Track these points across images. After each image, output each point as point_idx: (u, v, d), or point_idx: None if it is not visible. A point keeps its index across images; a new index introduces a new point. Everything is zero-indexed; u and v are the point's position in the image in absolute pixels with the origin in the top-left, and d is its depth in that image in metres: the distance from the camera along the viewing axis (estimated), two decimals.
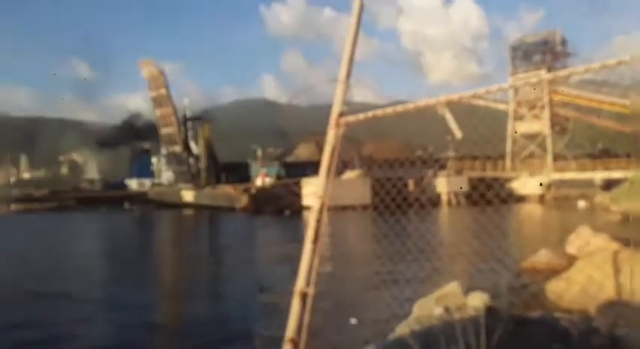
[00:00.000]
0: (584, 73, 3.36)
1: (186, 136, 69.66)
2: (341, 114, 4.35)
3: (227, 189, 55.35)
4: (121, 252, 26.05)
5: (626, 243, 11.18)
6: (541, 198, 48.40)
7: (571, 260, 11.59)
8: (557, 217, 34.67)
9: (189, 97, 76.49)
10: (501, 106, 58.80)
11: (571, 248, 13.34)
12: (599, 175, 46.19)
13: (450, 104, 3.96)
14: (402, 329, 4.95)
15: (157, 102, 67.20)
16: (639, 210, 28.23)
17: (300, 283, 4.37)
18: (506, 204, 32.62)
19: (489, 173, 51.73)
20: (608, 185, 41.97)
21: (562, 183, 48.53)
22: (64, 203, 61.11)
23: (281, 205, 42.88)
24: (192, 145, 69.88)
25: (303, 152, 76.69)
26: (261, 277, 15.00)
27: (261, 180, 56.07)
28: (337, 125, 4.36)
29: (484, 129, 4.74)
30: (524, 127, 58.52)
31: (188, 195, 60.29)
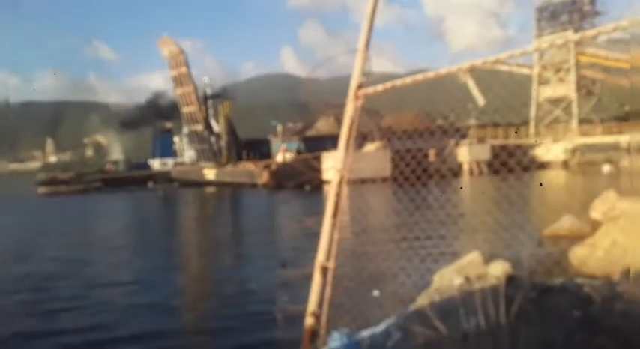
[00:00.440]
0: (612, 31, 3.24)
1: (207, 114, 69.90)
2: (360, 86, 4.32)
3: (248, 166, 55.77)
4: (148, 230, 26.81)
5: None
6: (565, 164, 47.58)
7: (595, 225, 11.47)
8: (581, 183, 34.10)
9: (209, 75, 76.57)
10: (525, 71, 57.43)
11: (595, 213, 13.19)
12: (624, 138, 45.00)
13: (472, 71, 3.89)
14: (422, 300, 5.01)
15: (178, 81, 67.39)
16: None
17: (320, 257, 4.45)
18: (528, 171, 32.15)
19: (512, 140, 50.92)
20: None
21: (587, 148, 47.54)
22: (90, 185, 62.44)
23: (301, 180, 43.08)
24: (213, 123, 70.21)
25: (323, 126, 76.34)
26: (282, 252, 15.24)
27: (282, 155, 56.29)
28: (356, 97, 4.33)
29: (507, 95, 4.67)
30: (549, 92, 57.17)
31: (210, 173, 60.96)
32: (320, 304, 4.26)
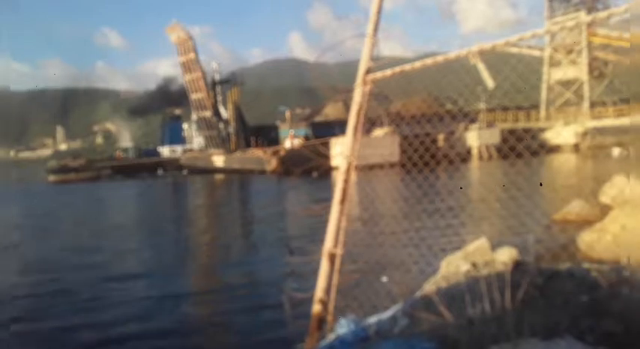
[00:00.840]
0: (624, 12, 3.20)
1: (216, 101, 69.80)
2: (368, 71, 4.30)
3: (256, 152, 55.84)
4: (158, 217, 27.07)
5: None
6: (576, 148, 47.09)
7: (605, 210, 11.40)
8: (592, 166, 33.79)
9: (217, 61, 76.18)
10: (536, 53, 56.57)
11: (605, 198, 13.07)
12: (637, 119, 44.25)
13: (482, 54, 3.87)
14: (429, 287, 5.05)
15: (186, 67, 67.23)
16: None
17: (328, 244, 4.49)
18: (537, 156, 31.90)
19: (522, 124, 50.44)
20: None
21: (598, 131, 46.95)
22: (100, 172, 62.93)
23: (310, 166, 43.08)
24: (222, 110, 70.17)
25: (331, 111, 76.06)
26: (290, 238, 15.35)
27: (290, 141, 56.26)
28: (364, 83, 4.32)
29: (517, 78, 4.63)
30: (560, 74, 56.32)
31: (219, 160, 61.14)
32: (327, 291, 4.31)
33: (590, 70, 54.70)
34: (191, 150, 75.28)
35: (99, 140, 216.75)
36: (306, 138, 58.96)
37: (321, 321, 4.23)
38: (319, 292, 4.31)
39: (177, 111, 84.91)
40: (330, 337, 4.08)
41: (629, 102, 49.19)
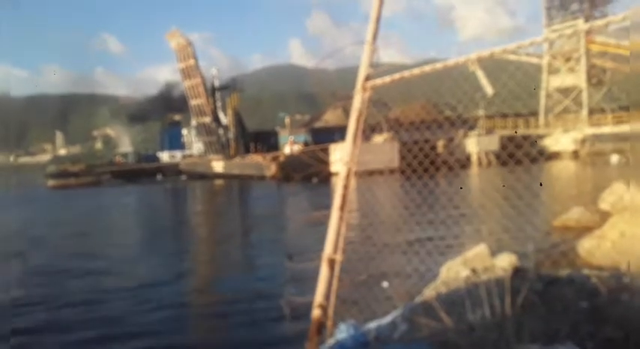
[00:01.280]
0: (622, 20, 3.23)
1: (215, 107, 69.94)
2: (367, 78, 4.32)
3: (256, 158, 55.88)
4: (158, 222, 27.06)
5: None
6: (575, 154, 47.17)
7: (604, 217, 11.42)
8: (591, 173, 33.84)
9: (217, 67, 76.32)
10: (534, 60, 56.78)
11: (604, 204, 13.11)
12: (636, 126, 44.31)
13: (480, 61, 3.89)
14: (428, 292, 5.05)
15: (186, 73, 67.42)
16: None
17: (328, 250, 4.49)
18: (537, 162, 31.95)
19: (521, 131, 50.51)
20: None
21: (597, 138, 47.04)
22: (100, 177, 62.93)
23: (309, 172, 43.11)
24: (221, 115, 70.30)
25: (330, 117, 76.20)
26: (290, 244, 15.34)
27: (290, 147, 56.33)
28: (364, 89, 4.34)
29: (515, 85, 4.66)
30: (559, 81, 56.50)
31: (218, 166, 61.17)
32: (327, 296, 4.31)
33: (589, 78, 54.87)
34: (190, 155, 75.34)
35: (98, 145, 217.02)
36: (306, 144, 59.06)
37: (321, 326, 4.22)
38: (319, 297, 4.30)
39: (177, 117, 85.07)
40: (330, 342, 4.08)
41: (629, 109, 49.31)
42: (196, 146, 76.14)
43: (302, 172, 39.48)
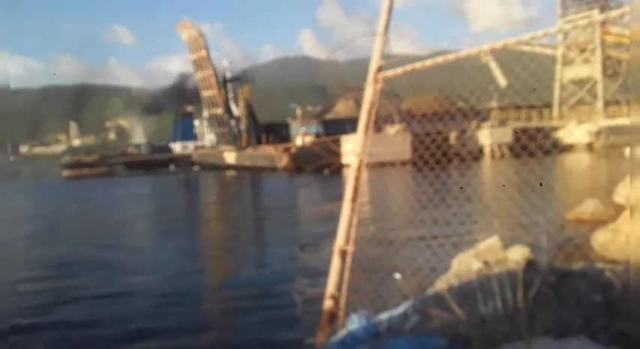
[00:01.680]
0: (638, 10, 3.19)
1: (227, 98, 70.11)
2: (379, 69, 4.30)
3: (268, 150, 56.00)
4: (171, 213, 27.29)
5: None
6: (589, 147, 46.60)
7: (619, 210, 11.27)
8: (606, 166, 33.42)
9: (228, 58, 76.50)
10: (549, 51, 56.04)
11: (619, 197, 12.94)
12: None
13: (493, 52, 3.85)
14: (440, 284, 5.04)
15: (198, 64, 67.58)
16: None
17: (339, 241, 4.51)
18: (550, 155, 31.64)
19: (535, 122, 49.99)
20: None
21: (612, 130, 46.41)
22: (113, 168, 63.57)
23: (321, 164, 43.03)
24: (233, 107, 70.45)
25: (342, 109, 76.02)
26: (302, 235, 15.38)
27: (301, 139, 56.34)
28: (375, 81, 4.32)
29: (529, 77, 4.61)
30: (573, 72, 55.77)
31: (230, 157, 61.44)
32: (339, 287, 4.33)
33: (604, 69, 54.07)
34: (203, 146, 75.71)
35: (112, 136, 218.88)
36: (317, 135, 59.02)
37: (333, 317, 4.24)
38: (330, 288, 4.33)
39: (190, 108, 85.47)
40: (342, 332, 4.10)
41: None
42: (208, 137, 76.51)
43: (313, 164, 39.48)
